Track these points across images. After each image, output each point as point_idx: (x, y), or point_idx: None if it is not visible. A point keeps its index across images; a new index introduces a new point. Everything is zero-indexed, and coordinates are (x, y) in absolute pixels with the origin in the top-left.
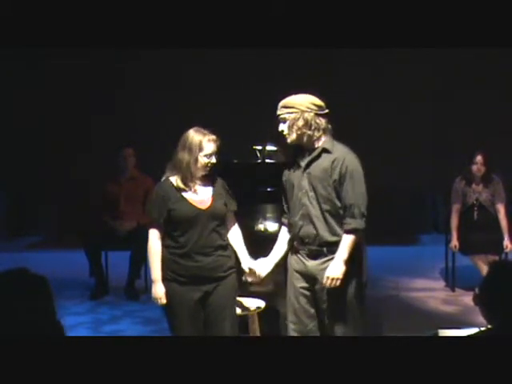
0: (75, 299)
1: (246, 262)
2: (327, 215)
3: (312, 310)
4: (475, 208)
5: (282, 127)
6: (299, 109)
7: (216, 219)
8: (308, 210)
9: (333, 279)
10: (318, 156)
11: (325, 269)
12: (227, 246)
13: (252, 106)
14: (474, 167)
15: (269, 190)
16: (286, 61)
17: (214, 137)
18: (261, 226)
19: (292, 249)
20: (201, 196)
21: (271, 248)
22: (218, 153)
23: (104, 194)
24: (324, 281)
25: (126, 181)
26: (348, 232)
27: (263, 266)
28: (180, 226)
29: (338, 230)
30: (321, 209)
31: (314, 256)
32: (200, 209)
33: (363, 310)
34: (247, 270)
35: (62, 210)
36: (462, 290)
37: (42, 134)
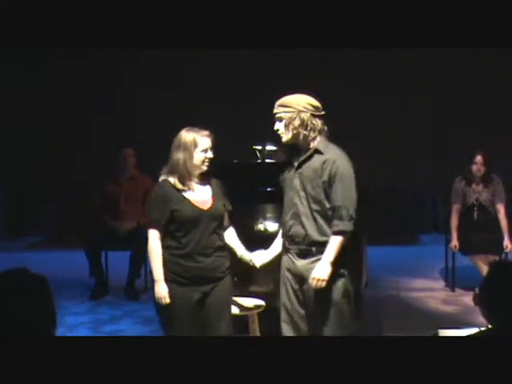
0: (75, 299)
1: (244, 253)
2: (316, 215)
3: (303, 311)
4: (475, 208)
5: (278, 126)
6: (296, 108)
7: (216, 220)
8: (298, 209)
9: (318, 280)
10: (310, 156)
11: (313, 268)
12: (224, 247)
13: (252, 106)
14: (474, 167)
15: (269, 190)
16: (285, 61)
17: (207, 132)
18: (261, 226)
19: (284, 248)
20: (201, 196)
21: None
22: (213, 148)
23: (104, 193)
24: (309, 281)
25: (126, 181)
26: (335, 234)
27: (260, 257)
28: (182, 226)
29: (327, 230)
30: (310, 209)
31: (303, 255)
32: (202, 209)
33: (355, 310)
34: (244, 260)
35: (62, 209)
36: (461, 290)
37: (42, 133)
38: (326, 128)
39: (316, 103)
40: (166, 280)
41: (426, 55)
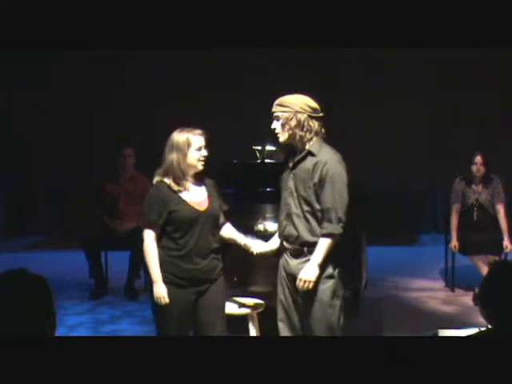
0: (75, 299)
1: (244, 240)
2: (308, 216)
3: (297, 310)
4: (475, 208)
5: (275, 125)
6: (293, 109)
7: (213, 220)
8: (291, 209)
9: (305, 281)
10: (304, 158)
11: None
12: (219, 249)
13: (252, 106)
14: (474, 167)
15: (269, 190)
16: (285, 61)
17: (199, 131)
18: (261, 226)
19: (281, 247)
20: (197, 197)
21: None
22: (206, 146)
23: (103, 193)
24: (297, 282)
25: (126, 181)
26: (323, 236)
27: (258, 245)
28: (180, 227)
29: (319, 230)
30: (302, 209)
31: (295, 255)
32: (199, 210)
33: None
34: (242, 245)
35: (62, 210)
36: (461, 290)
37: (42, 134)
38: (323, 130)
39: (314, 104)
40: (163, 281)
41: (427, 55)
